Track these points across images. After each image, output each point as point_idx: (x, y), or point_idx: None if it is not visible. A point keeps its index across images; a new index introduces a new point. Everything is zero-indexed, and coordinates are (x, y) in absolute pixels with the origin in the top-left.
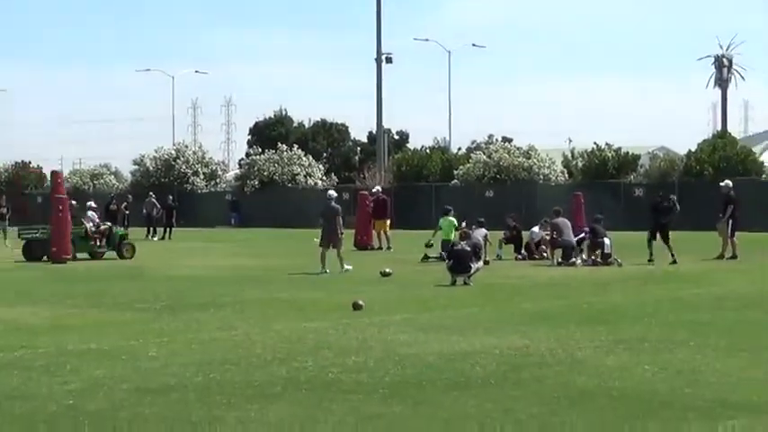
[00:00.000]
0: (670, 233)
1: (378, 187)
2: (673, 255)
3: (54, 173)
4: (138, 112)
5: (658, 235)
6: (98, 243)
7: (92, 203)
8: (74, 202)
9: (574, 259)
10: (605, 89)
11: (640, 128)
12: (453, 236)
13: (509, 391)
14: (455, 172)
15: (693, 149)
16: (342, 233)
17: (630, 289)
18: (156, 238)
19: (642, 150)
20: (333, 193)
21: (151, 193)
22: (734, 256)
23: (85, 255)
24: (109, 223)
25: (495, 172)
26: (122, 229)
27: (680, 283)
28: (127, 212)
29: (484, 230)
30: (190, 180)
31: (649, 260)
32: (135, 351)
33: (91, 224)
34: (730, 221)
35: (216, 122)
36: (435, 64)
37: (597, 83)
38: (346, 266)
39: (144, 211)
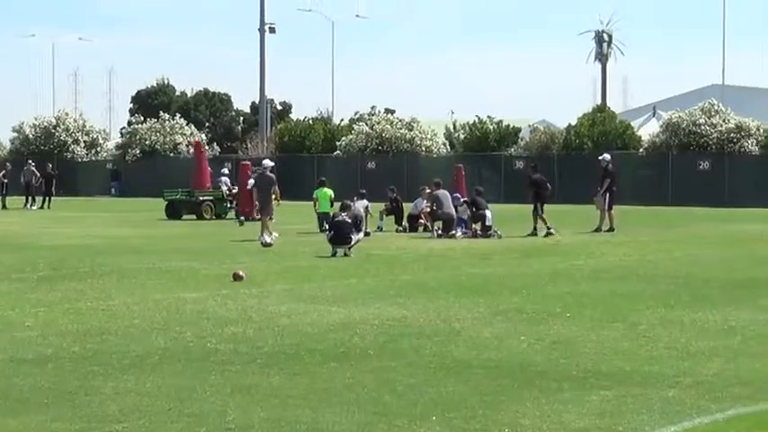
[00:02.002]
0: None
1: (267, 161)
2: (548, 226)
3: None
4: (19, 80)
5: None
6: None
7: None
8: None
9: (454, 231)
10: (489, 62)
11: (523, 101)
12: (330, 208)
13: (387, 362)
14: (337, 143)
15: (574, 123)
16: (278, 202)
17: (510, 261)
18: (34, 207)
19: (523, 123)
20: (268, 162)
21: (30, 162)
22: (611, 229)
23: None
24: None
25: (378, 143)
26: None
27: (559, 256)
28: (5, 181)
29: (365, 202)
30: (70, 149)
31: (548, 232)
32: (11, 321)
33: None
34: (607, 195)
35: (98, 91)
36: (319, 35)
37: (481, 56)
38: (266, 238)
39: (23, 179)
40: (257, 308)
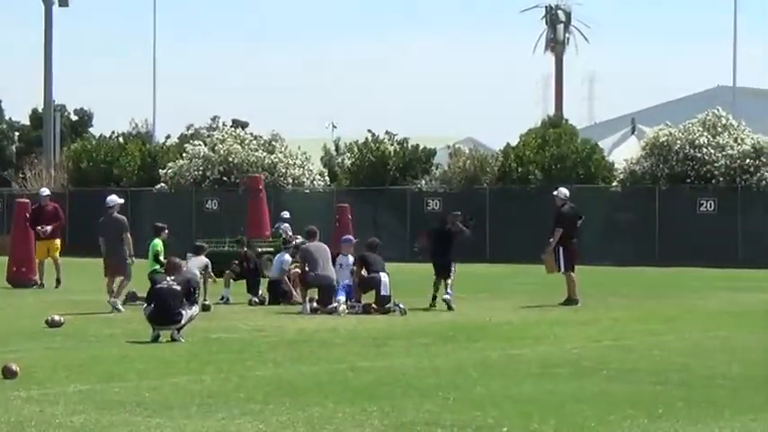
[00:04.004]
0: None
1: (45, 190)
2: (448, 294)
3: None
4: None
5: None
6: None
7: None
8: None
9: (335, 303)
10: (387, 55)
11: (439, 111)
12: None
13: None
14: (161, 171)
15: (514, 143)
16: (131, 258)
17: (419, 348)
18: None
19: (440, 143)
20: (114, 198)
21: None
22: (570, 300)
23: None
24: None
25: (222, 171)
26: None
27: (492, 341)
28: None
29: (203, 259)
30: None
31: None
32: None
33: None
34: (561, 249)
35: None
36: (132, 15)
37: (376, 47)
38: (120, 306)
39: None
40: (38, 420)
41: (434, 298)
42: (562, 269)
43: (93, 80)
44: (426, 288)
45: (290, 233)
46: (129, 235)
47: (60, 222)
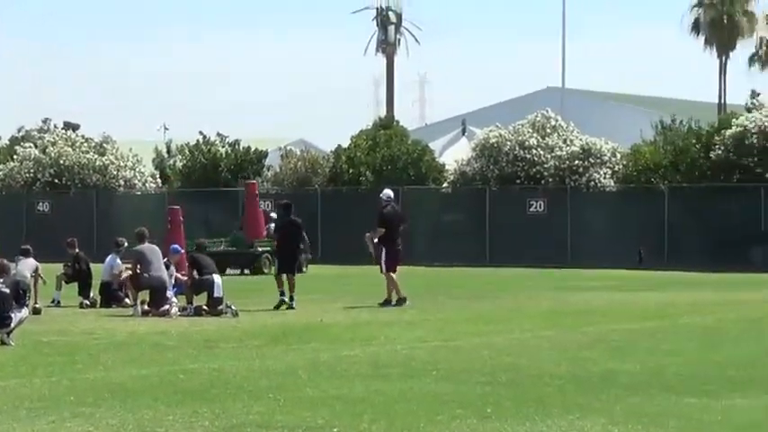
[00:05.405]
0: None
1: None
2: (292, 296)
3: None
4: None
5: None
6: None
7: None
8: None
9: (167, 306)
10: (220, 55)
11: (271, 112)
12: None
13: None
14: None
15: (346, 145)
16: None
17: (250, 350)
18: None
19: (272, 145)
20: None
21: None
22: (393, 301)
23: None
24: None
25: (54, 174)
26: None
27: (322, 342)
28: None
29: (32, 262)
30: None
31: (279, 305)
32: None
33: None
34: (384, 250)
35: None
36: None
37: (210, 47)
38: None
39: None
40: None
41: (283, 294)
42: (383, 270)
43: None
44: (259, 290)
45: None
46: None
47: None
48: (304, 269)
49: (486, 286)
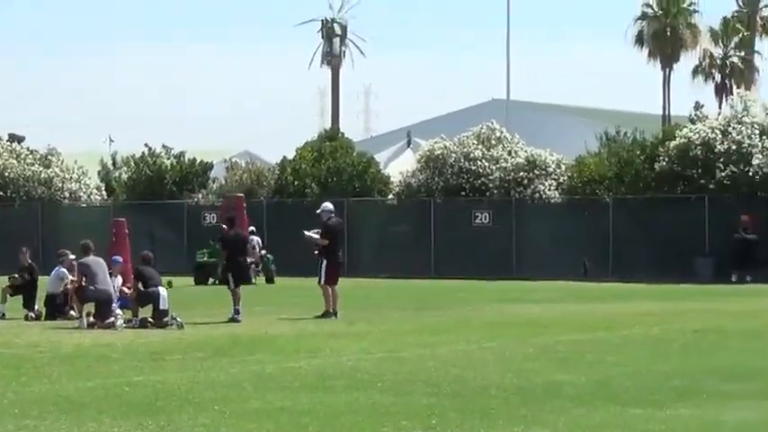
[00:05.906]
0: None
1: None
2: (237, 309)
3: None
4: None
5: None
6: None
7: None
8: None
9: (113, 318)
10: (167, 67)
11: (216, 124)
12: None
13: None
14: None
15: (291, 157)
16: None
17: (195, 362)
18: None
19: (217, 156)
20: None
21: None
22: (328, 312)
23: None
24: None
25: None
26: None
27: (267, 354)
28: None
29: None
30: None
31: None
32: None
33: None
34: (325, 263)
35: None
36: None
37: (156, 58)
38: None
39: None
40: None
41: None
42: (322, 281)
43: None
44: (203, 302)
45: (260, 245)
46: None
47: None
48: (254, 281)
49: (432, 298)
